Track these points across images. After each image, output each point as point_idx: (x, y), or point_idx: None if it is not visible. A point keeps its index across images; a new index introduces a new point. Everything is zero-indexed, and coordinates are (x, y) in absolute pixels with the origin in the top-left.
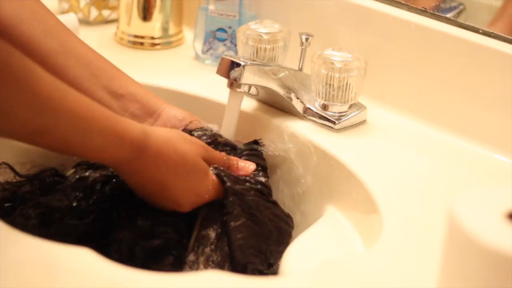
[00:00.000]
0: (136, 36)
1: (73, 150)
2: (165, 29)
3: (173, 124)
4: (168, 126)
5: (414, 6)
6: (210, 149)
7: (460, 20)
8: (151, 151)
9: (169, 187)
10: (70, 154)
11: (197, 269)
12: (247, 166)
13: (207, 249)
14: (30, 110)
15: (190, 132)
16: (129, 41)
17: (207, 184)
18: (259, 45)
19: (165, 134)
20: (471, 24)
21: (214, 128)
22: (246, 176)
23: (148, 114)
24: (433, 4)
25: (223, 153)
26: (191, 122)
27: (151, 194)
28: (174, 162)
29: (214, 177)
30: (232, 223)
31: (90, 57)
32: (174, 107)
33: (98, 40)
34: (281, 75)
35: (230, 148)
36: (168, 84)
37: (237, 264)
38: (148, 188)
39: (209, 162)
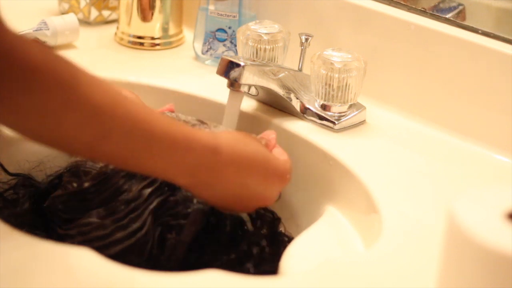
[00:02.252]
0: (136, 37)
1: (139, 159)
2: (165, 29)
3: None
4: None
5: (414, 6)
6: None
7: (460, 20)
8: (227, 150)
9: (251, 185)
10: (136, 166)
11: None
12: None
13: None
14: (80, 116)
15: None
16: (129, 41)
17: (283, 166)
18: (259, 46)
19: (231, 133)
20: (471, 24)
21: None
22: None
23: None
24: (433, 4)
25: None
26: None
27: (232, 198)
28: (250, 159)
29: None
30: None
31: None
32: None
33: (98, 40)
34: (281, 75)
35: None
36: (168, 84)
37: None
38: (230, 193)
39: None
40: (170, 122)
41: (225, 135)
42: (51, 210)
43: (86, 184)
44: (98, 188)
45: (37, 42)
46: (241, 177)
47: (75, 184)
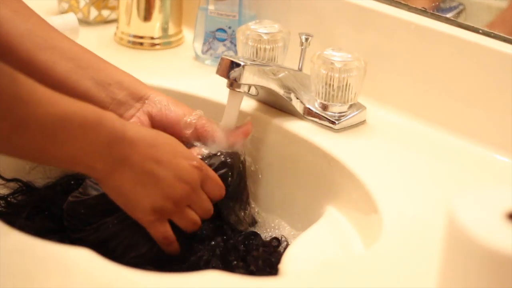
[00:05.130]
0: (135, 36)
1: (55, 145)
2: (164, 29)
3: (159, 108)
4: (154, 110)
5: (414, 6)
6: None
7: (460, 20)
8: (133, 129)
9: (162, 159)
10: (55, 154)
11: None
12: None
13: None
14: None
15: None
16: (128, 41)
17: (189, 151)
18: (259, 45)
19: (142, 129)
20: (471, 24)
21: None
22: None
23: (135, 99)
24: (433, 4)
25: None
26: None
27: (147, 179)
28: (156, 136)
29: None
30: None
31: (75, 51)
32: (160, 93)
33: (98, 40)
34: (281, 75)
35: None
36: (168, 84)
37: None
38: (144, 171)
39: None
40: (81, 103)
41: (134, 125)
42: (70, 214)
43: None
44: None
45: None
46: (150, 150)
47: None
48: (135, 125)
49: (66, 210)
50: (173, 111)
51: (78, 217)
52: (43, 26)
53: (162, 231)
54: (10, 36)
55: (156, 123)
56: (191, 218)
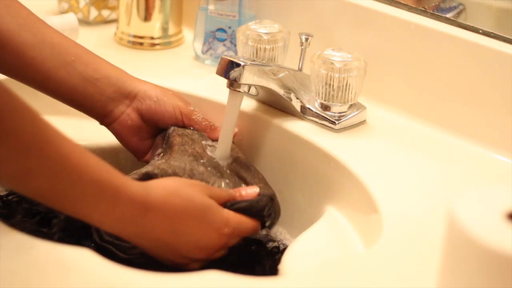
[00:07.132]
0: (135, 36)
1: (64, 202)
2: (164, 29)
3: (148, 105)
4: (144, 107)
5: (414, 6)
6: (212, 188)
7: (460, 20)
8: (156, 205)
9: (184, 232)
10: (62, 207)
11: None
12: (251, 193)
13: None
14: (4, 150)
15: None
16: (128, 41)
17: (221, 218)
18: (258, 45)
19: (165, 185)
20: (471, 24)
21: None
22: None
23: (124, 95)
24: (433, 4)
25: (225, 189)
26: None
27: (165, 247)
28: (183, 208)
29: (227, 211)
30: None
31: (65, 45)
32: (152, 85)
33: (98, 40)
34: (280, 75)
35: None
36: (168, 84)
37: None
38: (162, 241)
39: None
40: (102, 170)
41: (157, 188)
42: None
43: None
44: None
45: None
46: (171, 226)
47: None
48: (159, 194)
49: None
50: (163, 106)
51: None
52: (32, 20)
53: (189, 268)
54: (1, 32)
55: (146, 119)
56: (219, 256)
